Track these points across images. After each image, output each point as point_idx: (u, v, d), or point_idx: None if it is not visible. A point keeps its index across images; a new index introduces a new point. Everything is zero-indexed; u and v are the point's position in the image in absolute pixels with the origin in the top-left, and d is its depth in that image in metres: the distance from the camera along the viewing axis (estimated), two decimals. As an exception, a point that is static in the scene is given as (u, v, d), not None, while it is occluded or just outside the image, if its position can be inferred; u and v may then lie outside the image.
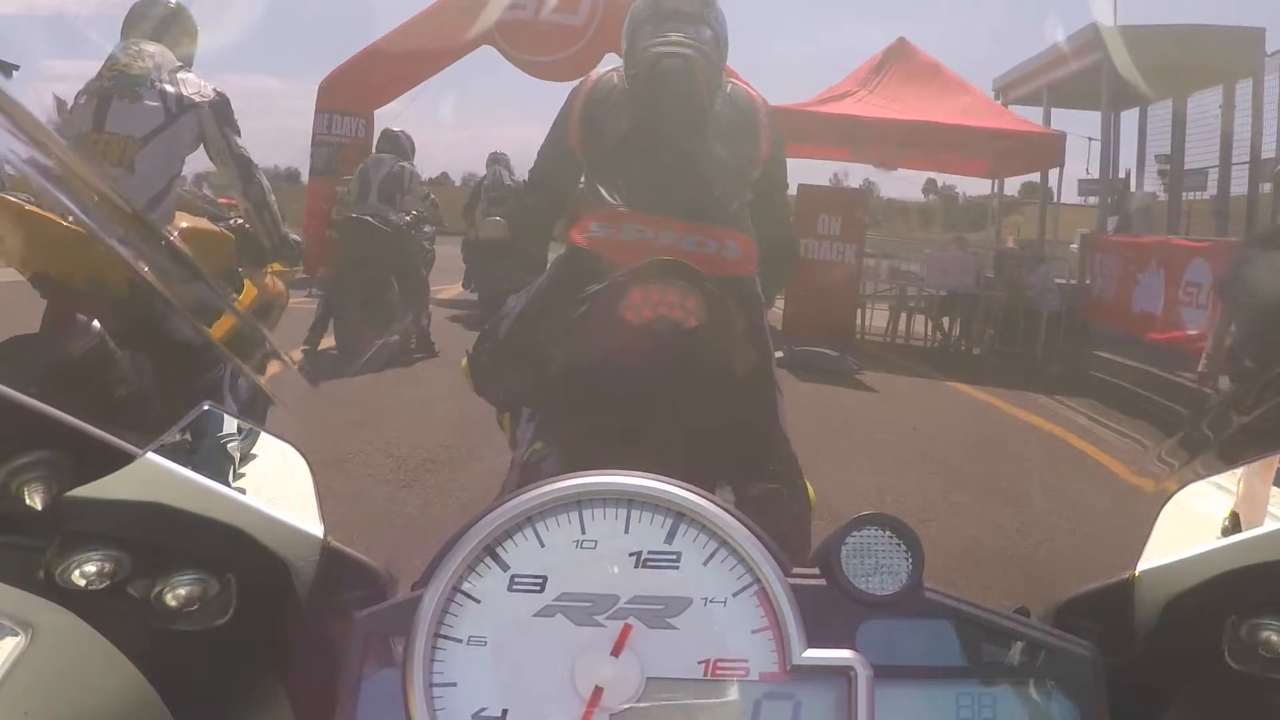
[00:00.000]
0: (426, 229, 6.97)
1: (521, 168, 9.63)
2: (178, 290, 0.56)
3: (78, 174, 0.50)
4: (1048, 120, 11.72)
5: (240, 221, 3.19)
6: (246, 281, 3.33)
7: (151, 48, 2.85)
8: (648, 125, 1.97)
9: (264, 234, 3.08)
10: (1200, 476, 0.64)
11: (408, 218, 6.46)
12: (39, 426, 0.49)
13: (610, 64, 2.26)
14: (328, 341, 6.02)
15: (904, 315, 10.04)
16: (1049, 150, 10.20)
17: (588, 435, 1.73)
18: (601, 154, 2.01)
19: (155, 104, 2.77)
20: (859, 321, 9.49)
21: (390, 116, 11.55)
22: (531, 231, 2.27)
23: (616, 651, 0.53)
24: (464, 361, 2.05)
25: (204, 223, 3.12)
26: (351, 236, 6.21)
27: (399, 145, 6.78)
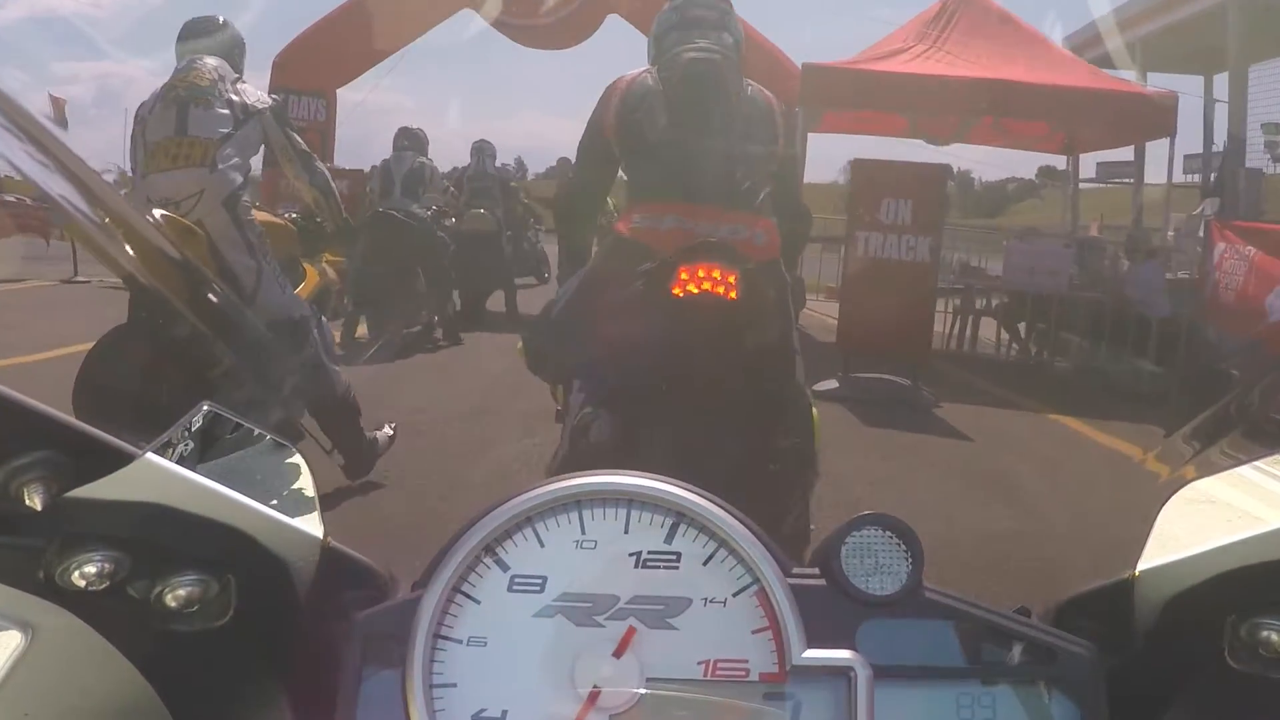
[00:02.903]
0: (447, 221, 7.09)
1: (505, 156, 9.03)
2: (162, 274, 0.56)
3: (74, 170, 0.50)
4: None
5: (293, 216, 3.64)
6: (308, 268, 3.76)
7: (212, 60, 3.21)
8: (684, 123, 2.18)
9: (329, 217, 3.48)
10: (1201, 475, 0.64)
11: (429, 211, 6.66)
12: (38, 427, 0.49)
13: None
14: (360, 330, 6.59)
15: (969, 320, 8.11)
16: (1157, 117, 8.07)
17: (637, 397, 1.99)
18: (640, 150, 2.22)
19: (225, 111, 3.13)
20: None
21: (355, 100, 10.46)
22: (576, 223, 2.50)
23: (619, 653, 0.53)
24: (519, 344, 2.23)
25: (271, 217, 3.51)
26: (379, 232, 6.30)
27: (416, 140, 6.93)
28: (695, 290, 1.94)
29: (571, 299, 2.23)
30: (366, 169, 8.14)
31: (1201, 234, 8.26)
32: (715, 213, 2.13)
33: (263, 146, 3.30)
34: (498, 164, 8.80)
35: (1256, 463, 0.63)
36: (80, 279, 9.58)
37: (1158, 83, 10.00)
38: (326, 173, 3.52)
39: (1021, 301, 7.84)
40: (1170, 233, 9.01)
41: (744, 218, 2.15)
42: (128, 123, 3.34)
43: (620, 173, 2.35)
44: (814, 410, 2.21)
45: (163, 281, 0.83)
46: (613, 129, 2.26)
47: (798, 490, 2.15)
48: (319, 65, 9.90)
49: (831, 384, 5.90)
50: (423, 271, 6.66)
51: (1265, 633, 0.55)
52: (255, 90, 3.32)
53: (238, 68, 3.35)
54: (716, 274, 1.94)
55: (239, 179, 3.15)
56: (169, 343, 2.70)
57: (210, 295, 2.73)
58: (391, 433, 3.56)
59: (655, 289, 1.96)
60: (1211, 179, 9.91)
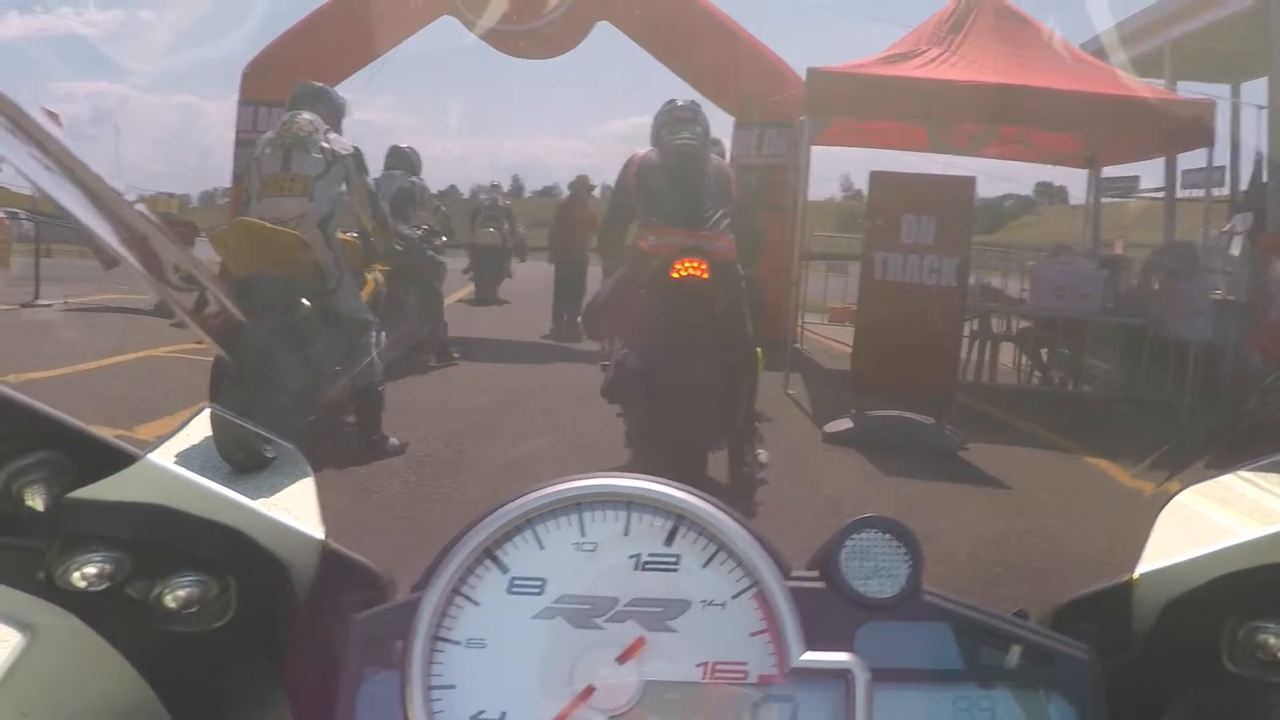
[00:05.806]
0: (438, 241, 7.29)
1: (500, 175, 9.20)
2: (159, 268, 0.56)
3: (79, 175, 0.50)
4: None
5: (354, 236, 4.68)
6: (366, 277, 4.92)
7: (309, 115, 4.26)
8: (675, 183, 3.87)
9: (380, 242, 4.65)
10: (1199, 479, 0.64)
11: (419, 231, 6.80)
12: (40, 428, 0.49)
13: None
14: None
15: (987, 347, 7.51)
16: (1194, 126, 7.30)
17: (653, 338, 3.64)
18: (650, 199, 3.88)
19: (319, 156, 4.14)
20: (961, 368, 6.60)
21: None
22: (612, 245, 4.28)
23: (624, 660, 0.53)
24: (579, 319, 3.95)
25: (343, 236, 4.49)
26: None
27: (407, 160, 7.15)
28: (684, 274, 3.56)
29: (611, 289, 4.05)
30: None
31: (1236, 252, 7.79)
32: (695, 234, 3.75)
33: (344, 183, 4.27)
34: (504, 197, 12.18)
35: (1254, 469, 0.63)
36: (42, 302, 9.19)
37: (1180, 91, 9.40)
38: (385, 209, 4.74)
39: (1049, 326, 7.22)
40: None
41: (710, 236, 3.77)
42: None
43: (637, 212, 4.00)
44: (759, 352, 4.04)
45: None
46: (632, 187, 3.93)
47: (744, 390, 3.86)
48: (289, 76, 9.26)
49: (845, 424, 5.41)
50: (413, 293, 6.62)
51: (1263, 636, 0.55)
52: (342, 140, 4.30)
53: (329, 121, 4.35)
54: (695, 263, 3.57)
55: (329, 207, 4.11)
56: (276, 331, 3.61)
57: (306, 298, 3.74)
58: (399, 444, 4.35)
59: (660, 273, 3.59)
60: (1241, 192, 9.37)
